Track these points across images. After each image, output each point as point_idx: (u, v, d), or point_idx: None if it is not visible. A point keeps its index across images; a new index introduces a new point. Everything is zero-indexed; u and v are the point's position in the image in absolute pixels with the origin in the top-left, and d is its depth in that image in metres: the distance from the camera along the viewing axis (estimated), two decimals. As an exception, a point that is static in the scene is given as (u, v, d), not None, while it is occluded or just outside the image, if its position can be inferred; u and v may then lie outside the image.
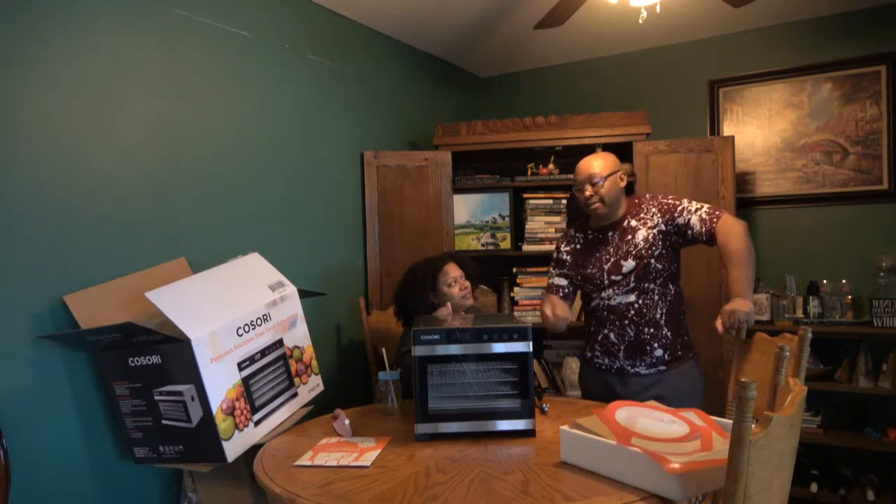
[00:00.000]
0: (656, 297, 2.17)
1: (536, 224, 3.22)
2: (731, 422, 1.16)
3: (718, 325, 1.97)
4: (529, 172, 3.27)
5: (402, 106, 3.47)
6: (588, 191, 2.19)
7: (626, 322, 2.19)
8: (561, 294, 2.32)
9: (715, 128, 3.50)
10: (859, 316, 3.01)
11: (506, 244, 3.27)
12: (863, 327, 2.94)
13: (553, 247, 3.15)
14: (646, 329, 2.18)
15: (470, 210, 3.27)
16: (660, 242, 2.15)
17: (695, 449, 1.36)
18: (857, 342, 2.98)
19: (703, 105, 3.54)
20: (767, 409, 1.69)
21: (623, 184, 2.23)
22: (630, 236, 2.19)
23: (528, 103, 4.03)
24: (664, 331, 2.18)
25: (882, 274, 2.98)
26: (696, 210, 2.13)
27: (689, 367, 2.22)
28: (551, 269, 2.38)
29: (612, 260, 2.20)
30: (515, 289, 3.26)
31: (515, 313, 3.21)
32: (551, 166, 3.25)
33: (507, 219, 3.27)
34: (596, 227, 2.29)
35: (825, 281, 3.11)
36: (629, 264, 2.16)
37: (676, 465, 1.24)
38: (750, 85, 3.41)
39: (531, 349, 1.74)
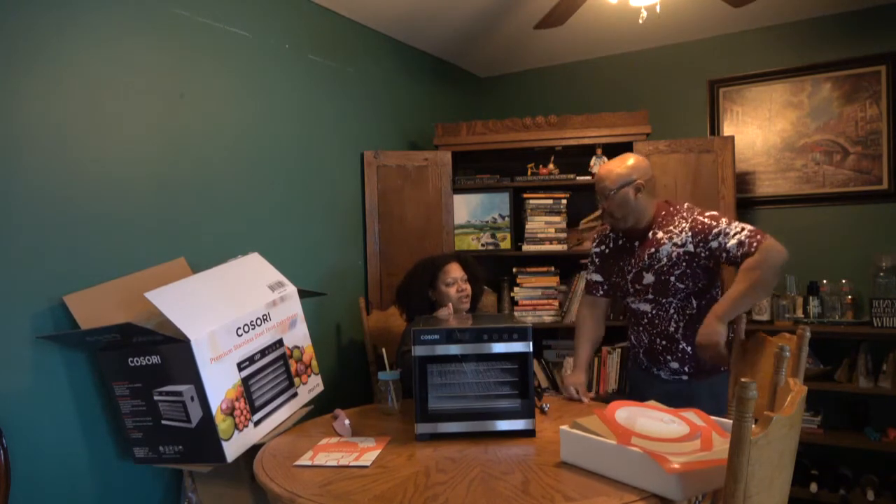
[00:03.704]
0: (671, 311, 2.08)
1: (536, 224, 3.22)
2: (731, 422, 1.15)
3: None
4: (529, 172, 3.27)
5: (402, 106, 3.47)
6: (603, 205, 2.11)
7: (641, 329, 2.18)
8: (600, 293, 2.29)
9: (715, 128, 3.50)
10: (859, 316, 3.01)
11: (506, 244, 3.26)
12: (863, 327, 2.94)
13: (553, 247, 3.19)
14: (657, 339, 2.13)
15: (470, 210, 3.27)
16: (684, 263, 2.01)
17: (695, 449, 1.36)
18: (857, 342, 2.98)
19: (703, 105, 3.53)
20: (767, 409, 1.69)
21: (637, 195, 2.07)
22: (654, 249, 2.07)
23: (528, 103, 4.03)
24: (681, 345, 2.08)
25: (882, 274, 2.98)
26: (735, 233, 1.93)
27: (718, 382, 2.07)
28: (588, 264, 2.35)
29: (634, 271, 2.14)
30: (515, 289, 3.26)
31: (515, 313, 3.21)
32: (551, 166, 3.25)
33: (507, 219, 3.26)
34: (624, 234, 2.19)
35: (825, 281, 3.11)
36: (649, 278, 2.08)
37: (676, 465, 1.24)
38: (750, 85, 3.41)
39: (531, 349, 1.74)
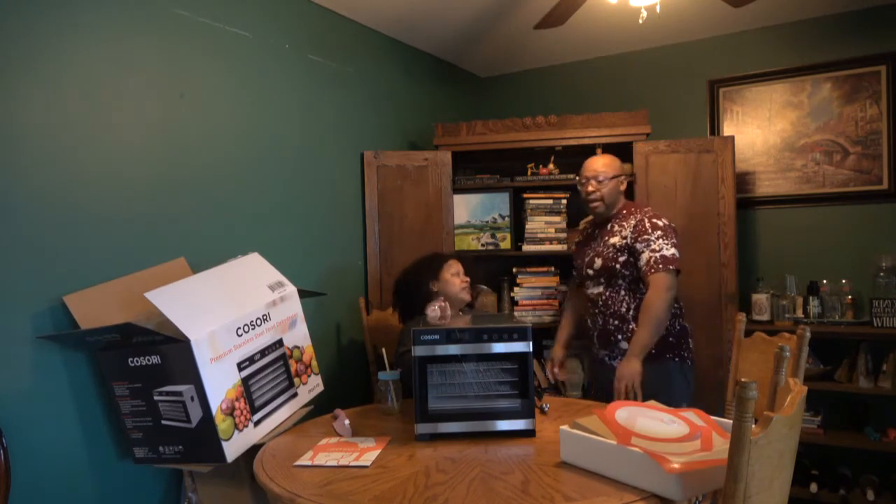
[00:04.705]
0: (623, 292, 2.31)
1: (536, 224, 3.22)
2: (731, 422, 1.16)
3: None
4: (529, 172, 3.27)
5: (402, 106, 3.47)
6: (592, 186, 2.35)
7: (596, 311, 2.37)
8: (577, 282, 2.58)
9: (715, 128, 3.50)
10: (859, 316, 3.01)
11: (506, 244, 3.26)
12: (863, 327, 2.94)
13: (553, 247, 3.19)
14: (611, 320, 2.32)
15: (470, 210, 3.27)
16: (626, 252, 2.29)
17: (695, 449, 1.36)
18: (857, 342, 2.98)
19: (703, 105, 3.53)
20: (767, 409, 1.69)
21: (622, 188, 2.39)
22: (607, 238, 2.36)
23: (528, 103, 4.03)
24: (631, 325, 2.27)
25: (882, 274, 2.98)
26: (654, 250, 2.21)
27: (663, 368, 2.24)
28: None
29: (590, 255, 2.41)
30: (515, 289, 3.26)
31: (515, 313, 3.21)
32: (551, 166, 3.25)
33: (507, 219, 3.26)
34: (594, 224, 2.49)
35: (825, 281, 3.11)
36: (598, 263, 2.35)
37: (676, 465, 1.24)
38: (750, 85, 3.41)
39: (531, 349, 1.74)
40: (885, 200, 3.12)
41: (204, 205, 2.35)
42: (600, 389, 2.43)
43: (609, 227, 2.38)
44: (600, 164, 2.35)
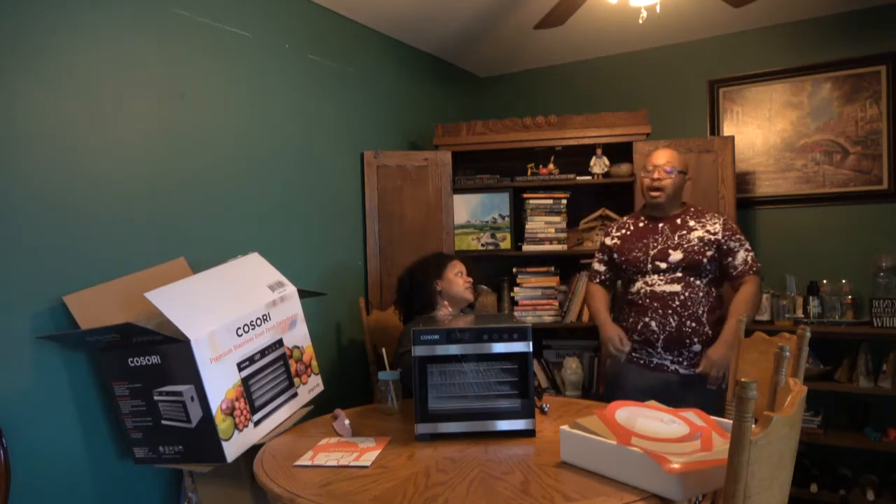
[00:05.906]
0: (701, 294, 2.30)
1: (536, 224, 3.22)
2: (731, 422, 1.15)
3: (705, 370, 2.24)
4: (529, 172, 3.27)
5: (402, 106, 3.47)
6: (658, 174, 2.35)
7: (670, 311, 2.29)
8: (598, 280, 2.58)
9: (715, 128, 3.50)
10: (859, 316, 3.01)
11: (506, 244, 3.26)
12: (863, 327, 2.94)
13: (553, 247, 3.19)
14: (688, 322, 2.27)
15: (470, 210, 3.27)
16: (714, 247, 2.31)
17: (695, 449, 1.36)
18: (857, 342, 2.98)
19: (703, 105, 3.53)
20: (767, 409, 1.69)
21: (685, 184, 2.42)
22: (685, 232, 2.35)
23: (528, 103, 4.03)
24: (706, 328, 2.28)
25: (882, 274, 2.98)
26: (746, 250, 2.33)
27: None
28: (596, 253, 2.62)
29: (659, 248, 2.35)
30: (515, 289, 3.26)
31: (515, 313, 3.21)
32: (551, 166, 3.25)
33: (507, 219, 3.27)
34: (648, 217, 2.46)
35: (825, 281, 3.11)
36: (677, 255, 2.30)
37: (676, 466, 1.24)
38: (750, 85, 3.41)
39: (531, 349, 1.74)
40: (885, 200, 3.12)
41: (204, 205, 2.35)
42: (642, 395, 2.15)
43: (679, 221, 2.38)
44: (670, 157, 2.37)
